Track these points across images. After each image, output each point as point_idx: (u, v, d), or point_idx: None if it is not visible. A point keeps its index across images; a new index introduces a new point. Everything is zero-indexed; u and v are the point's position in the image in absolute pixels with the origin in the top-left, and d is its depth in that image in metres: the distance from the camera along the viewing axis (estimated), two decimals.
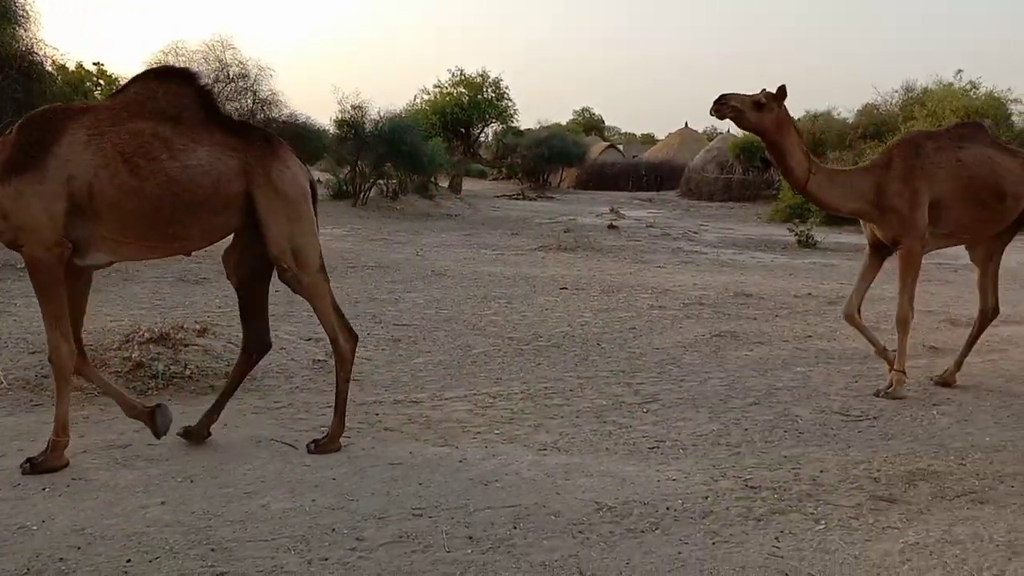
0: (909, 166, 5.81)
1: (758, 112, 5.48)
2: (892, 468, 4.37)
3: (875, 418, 5.32)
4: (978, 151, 5.97)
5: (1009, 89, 23.28)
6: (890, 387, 5.84)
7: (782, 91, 5.52)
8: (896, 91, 29.11)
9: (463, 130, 32.02)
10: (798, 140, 5.67)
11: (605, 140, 52.28)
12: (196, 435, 4.47)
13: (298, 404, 5.30)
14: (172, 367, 5.53)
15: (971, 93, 22.83)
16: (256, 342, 4.60)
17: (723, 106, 5.44)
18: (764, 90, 5.53)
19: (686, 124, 47.07)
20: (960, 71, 23.75)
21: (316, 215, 4.38)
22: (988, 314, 6.39)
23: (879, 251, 6.16)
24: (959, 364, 6.26)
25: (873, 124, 28.44)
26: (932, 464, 4.45)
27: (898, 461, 4.49)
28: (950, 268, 13.27)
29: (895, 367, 5.90)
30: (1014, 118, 23.54)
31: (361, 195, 20.82)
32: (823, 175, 5.81)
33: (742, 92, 5.54)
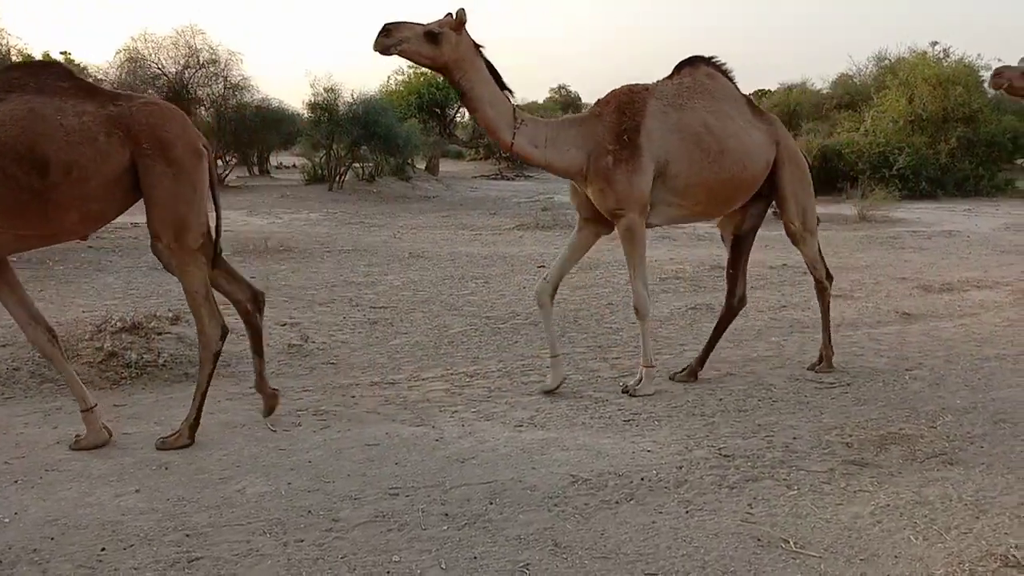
0: None
1: None
2: (864, 433, 4.42)
3: (848, 384, 5.37)
4: (18, 103, 3.92)
5: (979, 56, 23.37)
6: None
7: None
8: (870, 60, 29.28)
9: (439, 111, 31.78)
10: None
11: None
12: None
13: None
14: (145, 356, 5.48)
15: (943, 62, 22.90)
16: None
17: None
18: None
19: None
20: (935, 43, 23.78)
21: None
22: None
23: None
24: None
25: (848, 94, 28.62)
26: (903, 428, 4.51)
27: (870, 426, 4.55)
28: (924, 236, 13.39)
29: None
30: (986, 85, 23.68)
31: (337, 179, 20.64)
32: None
33: None
